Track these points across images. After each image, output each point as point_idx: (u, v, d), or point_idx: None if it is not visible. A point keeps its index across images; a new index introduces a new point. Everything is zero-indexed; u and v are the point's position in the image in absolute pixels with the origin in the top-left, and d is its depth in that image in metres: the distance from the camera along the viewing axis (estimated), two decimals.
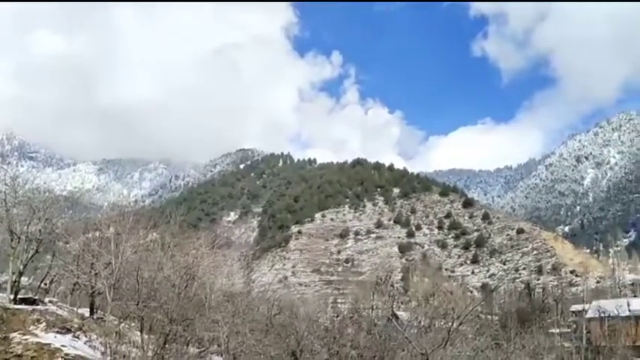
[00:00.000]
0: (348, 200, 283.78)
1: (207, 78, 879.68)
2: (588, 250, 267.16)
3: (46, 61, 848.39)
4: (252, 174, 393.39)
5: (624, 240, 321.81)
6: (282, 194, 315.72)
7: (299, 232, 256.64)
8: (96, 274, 32.40)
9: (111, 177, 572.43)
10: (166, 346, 27.80)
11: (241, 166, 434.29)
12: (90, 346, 30.45)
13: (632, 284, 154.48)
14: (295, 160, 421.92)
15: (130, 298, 28.94)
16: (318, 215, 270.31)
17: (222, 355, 32.97)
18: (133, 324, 34.36)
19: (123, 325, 30.90)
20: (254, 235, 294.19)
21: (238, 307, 35.91)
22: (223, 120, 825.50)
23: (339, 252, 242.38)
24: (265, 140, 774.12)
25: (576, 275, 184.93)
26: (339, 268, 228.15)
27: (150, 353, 27.56)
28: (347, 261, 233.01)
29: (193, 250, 36.91)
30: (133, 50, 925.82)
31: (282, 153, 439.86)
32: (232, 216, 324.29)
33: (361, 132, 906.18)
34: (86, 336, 31.85)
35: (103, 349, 27.84)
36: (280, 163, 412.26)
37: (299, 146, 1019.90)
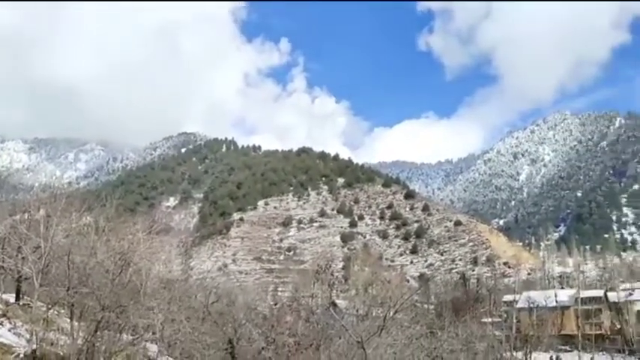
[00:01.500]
0: (292, 188, 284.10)
1: (149, 56, 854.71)
2: (521, 243, 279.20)
3: None
4: (194, 159, 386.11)
5: (554, 234, 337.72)
6: (224, 180, 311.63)
7: (241, 219, 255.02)
8: (23, 258, 30.72)
9: (43, 157, 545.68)
10: (98, 333, 26.76)
11: (183, 150, 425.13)
12: (14, 333, 29.10)
13: (560, 276, 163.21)
14: (239, 146, 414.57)
15: (59, 283, 27.59)
16: (261, 203, 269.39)
17: (156, 343, 32.14)
18: (62, 311, 32.94)
19: (51, 311, 29.56)
20: (194, 222, 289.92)
21: (175, 295, 35.03)
22: (165, 101, 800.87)
23: (281, 240, 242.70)
24: (208, 124, 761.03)
25: (509, 267, 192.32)
26: (281, 257, 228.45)
27: (80, 341, 26.48)
28: (289, 249, 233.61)
29: (129, 236, 35.54)
30: (71, 24, 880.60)
31: (226, 138, 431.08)
32: (172, 201, 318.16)
33: (307, 120, 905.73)
34: (11, 323, 30.46)
35: (28, 336, 26.55)
36: (224, 149, 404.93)
37: (243, 132, 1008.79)
